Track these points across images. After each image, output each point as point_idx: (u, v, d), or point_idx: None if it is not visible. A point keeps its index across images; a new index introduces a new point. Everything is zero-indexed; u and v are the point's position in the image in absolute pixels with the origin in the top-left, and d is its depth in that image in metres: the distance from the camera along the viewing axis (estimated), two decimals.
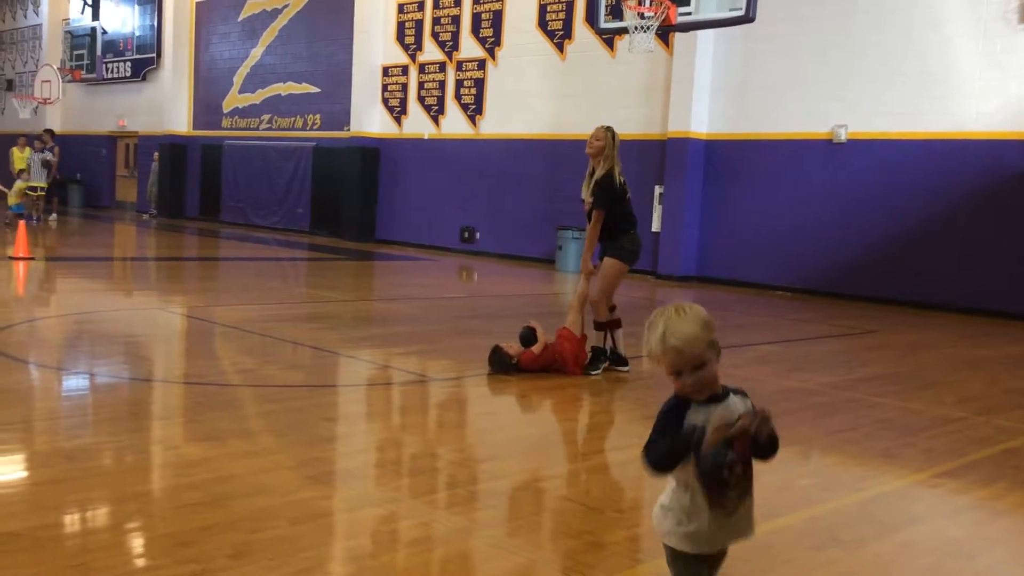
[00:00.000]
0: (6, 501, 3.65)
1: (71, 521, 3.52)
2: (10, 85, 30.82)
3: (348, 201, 20.54)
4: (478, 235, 18.53)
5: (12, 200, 19.20)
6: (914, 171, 12.90)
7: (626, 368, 6.98)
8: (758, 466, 4.58)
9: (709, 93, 14.94)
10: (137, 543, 3.28)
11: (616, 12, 12.63)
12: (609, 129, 7.00)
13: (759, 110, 14.47)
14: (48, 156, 19.99)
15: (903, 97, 13.01)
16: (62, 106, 28.18)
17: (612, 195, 6.86)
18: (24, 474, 3.99)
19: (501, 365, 6.53)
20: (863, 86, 13.40)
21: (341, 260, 16.73)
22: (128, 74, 26.61)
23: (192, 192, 25.00)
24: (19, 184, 19.29)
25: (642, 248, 7.21)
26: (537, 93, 17.45)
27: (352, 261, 16.73)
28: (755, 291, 14.11)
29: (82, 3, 27.63)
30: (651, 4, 11.30)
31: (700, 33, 14.27)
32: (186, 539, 3.33)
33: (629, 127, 15.83)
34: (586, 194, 6.95)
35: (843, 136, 13.57)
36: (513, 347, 6.67)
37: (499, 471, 4.47)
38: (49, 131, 22.36)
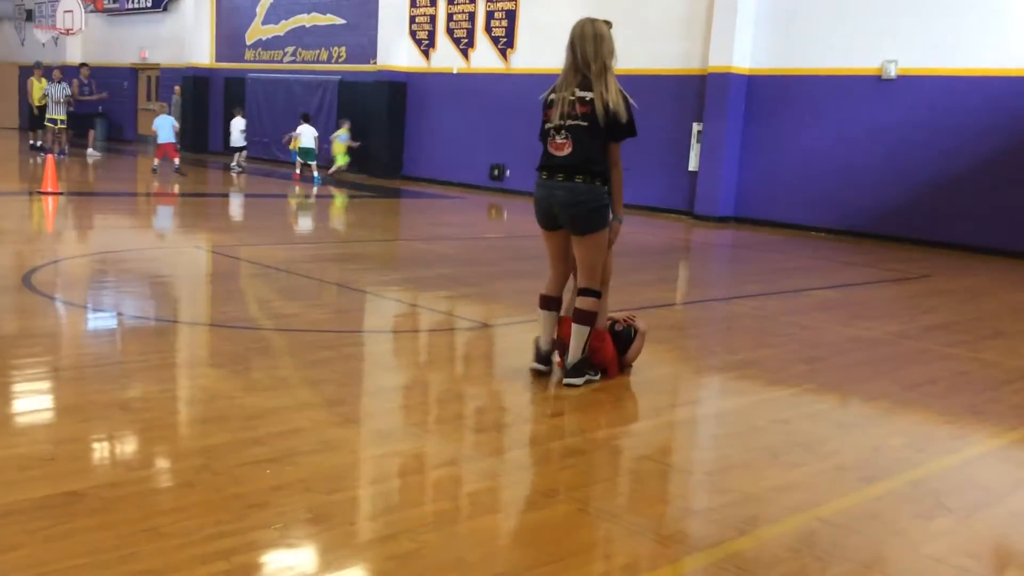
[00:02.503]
0: (67, 457, 3.46)
1: (135, 479, 3.32)
2: (30, 15, 30.30)
3: (375, 137, 20.14)
4: (508, 173, 18.16)
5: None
6: (967, 110, 12.41)
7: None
8: (848, 424, 4.36)
9: (753, 25, 14.38)
10: (208, 504, 3.08)
11: None
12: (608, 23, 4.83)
13: (805, 44, 13.93)
14: (66, 88, 19.65)
15: (958, 31, 12.46)
16: (83, 37, 27.68)
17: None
18: (82, 427, 3.80)
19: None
20: (915, 19, 12.83)
21: (369, 198, 16.45)
22: (149, 4, 26.05)
23: (215, 126, 24.62)
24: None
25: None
26: (571, 26, 16.88)
27: (380, 199, 16.43)
28: (794, 232, 13.76)
29: None
30: None
31: None
32: (259, 500, 3.14)
33: (667, 62, 15.34)
34: (563, 114, 4.63)
35: (893, 72, 13.05)
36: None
37: (570, 428, 4.25)
38: (84, 65, 22.13)
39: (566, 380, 4.75)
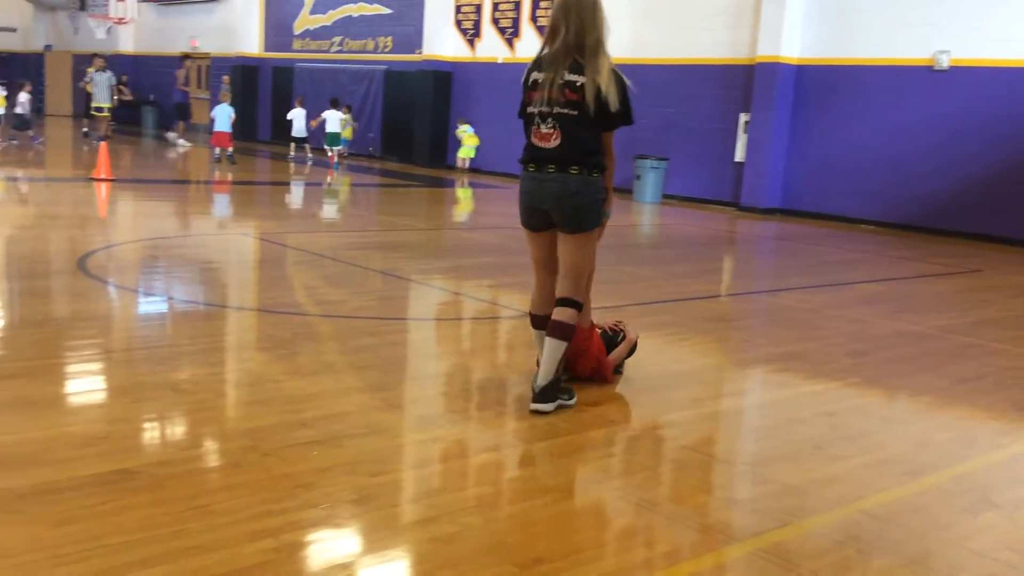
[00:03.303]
0: (119, 436, 3.55)
1: (185, 458, 3.40)
2: (83, 5, 30.85)
3: (419, 126, 20.24)
4: None
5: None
6: (1021, 101, 12.14)
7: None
8: (893, 418, 4.32)
9: (802, 14, 14.20)
10: (256, 484, 3.15)
11: None
12: None
13: (855, 34, 13.72)
14: (111, 77, 20.05)
15: (1012, 21, 12.18)
16: (135, 26, 28.15)
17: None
18: (134, 407, 3.90)
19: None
20: (969, 9, 12.58)
21: (414, 186, 16.55)
22: None
23: (264, 115, 24.92)
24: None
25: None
26: (618, 15, 16.72)
27: (425, 188, 16.52)
28: (841, 225, 13.58)
29: None
30: None
31: None
32: (306, 480, 3.20)
33: (715, 51, 15.19)
34: (549, 100, 4.03)
35: (945, 63, 12.82)
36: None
37: (612, 417, 4.26)
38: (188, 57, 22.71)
39: (533, 406, 4.07)
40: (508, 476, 3.46)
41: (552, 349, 4.11)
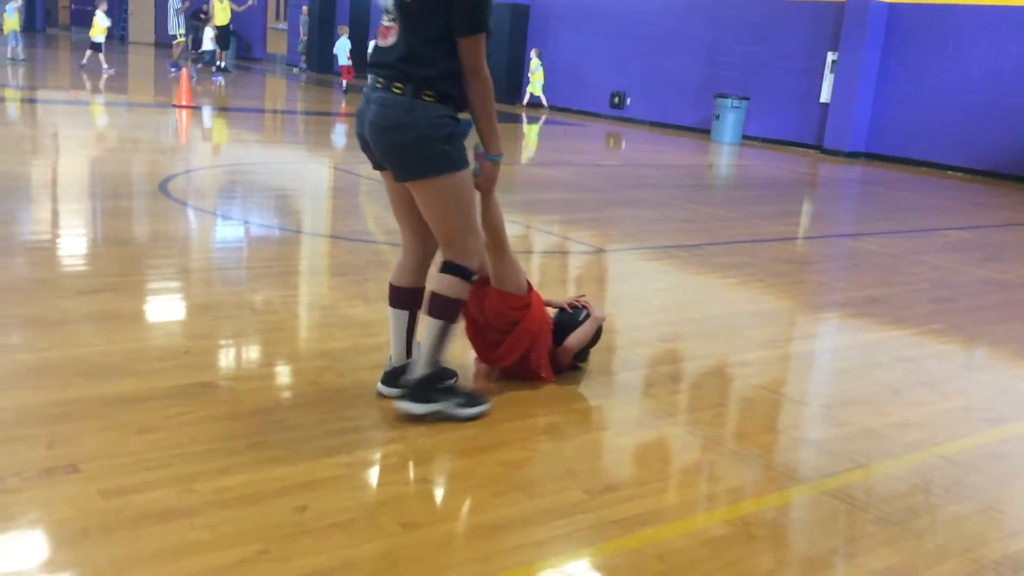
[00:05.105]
0: (200, 351, 3.65)
1: (263, 375, 3.49)
2: None
3: (495, 61, 20.01)
4: (629, 100, 17.83)
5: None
6: None
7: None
8: (974, 365, 4.20)
9: None
10: (331, 402, 3.21)
11: None
12: None
13: None
14: (178, 4, 20.16)
15: None
16: None
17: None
18: (213, 324, 4.00)
19: None
20: None
21: None
22: None
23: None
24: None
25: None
26: None
27: (499, 123, 16.38)
28: (928, 171, 13.12)
29: None
30: None
31: None
32: (379, 402, 3.24)
33: None
34: None
35: None
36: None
37: (683, 354, 4.22)
38: None
39: (399, 404, 3.09)
40: (576, 407, 3.46)
41: (428, 331, 3.08)
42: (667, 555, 2.39)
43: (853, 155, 14.11)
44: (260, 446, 2.80)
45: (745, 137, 15.36)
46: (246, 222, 6.37)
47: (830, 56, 14.36)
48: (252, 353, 3.75)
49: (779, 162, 13.04)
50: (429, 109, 2.90)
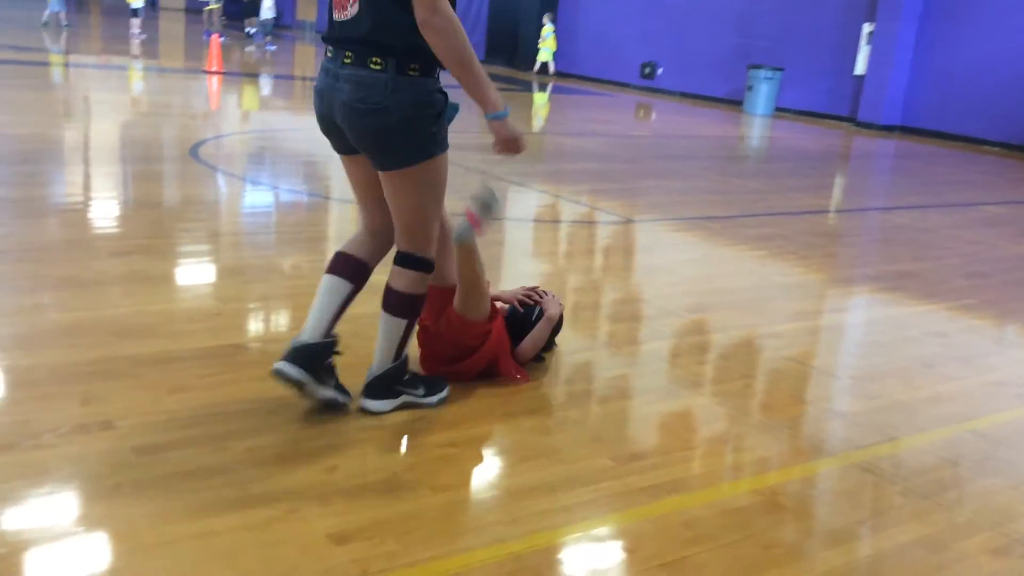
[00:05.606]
0: (230, 313, 3.68)
1: (293, 337, 3.50)
2: None
3: (525, 30, 19.90)
4: (660, 71, 17.65)
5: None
6: None
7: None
8: (1008, 341, 4.15)
9: None
10: (359, 368, 3.21)
11: None
12: None
13: None
14: None
15: None
16: None
17: None
18: (243, 287, 4.03)
19: None
20: None
21: (518, 91, 16.35)
22: None
23: None
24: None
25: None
26: None
27: (529, 93, 16.32)
28: (965, 145, 12.91)
29: None
30: None
31: None
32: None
33: None
34: None
35: None
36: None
37: (712, 325, 4.20)
38: None
39: (363, 403, 2.88)
40: (604, 376, 3.46)
41: (388, 328, 2.87)
42: (693, 523, 2.40)
43: (888, 128, 13.91)
44: (291, 407, 2.83)
45: (778, 109, 15.18)
46: (275, 187, 6.39)
47: (866, 27, 14.12)
48: (282, 317, 3.78)
49: (812, 134, 12.88)
50: (416, 85, 2.59)
